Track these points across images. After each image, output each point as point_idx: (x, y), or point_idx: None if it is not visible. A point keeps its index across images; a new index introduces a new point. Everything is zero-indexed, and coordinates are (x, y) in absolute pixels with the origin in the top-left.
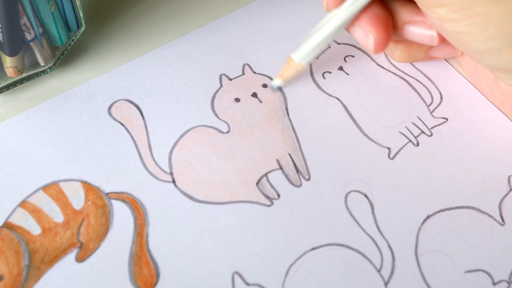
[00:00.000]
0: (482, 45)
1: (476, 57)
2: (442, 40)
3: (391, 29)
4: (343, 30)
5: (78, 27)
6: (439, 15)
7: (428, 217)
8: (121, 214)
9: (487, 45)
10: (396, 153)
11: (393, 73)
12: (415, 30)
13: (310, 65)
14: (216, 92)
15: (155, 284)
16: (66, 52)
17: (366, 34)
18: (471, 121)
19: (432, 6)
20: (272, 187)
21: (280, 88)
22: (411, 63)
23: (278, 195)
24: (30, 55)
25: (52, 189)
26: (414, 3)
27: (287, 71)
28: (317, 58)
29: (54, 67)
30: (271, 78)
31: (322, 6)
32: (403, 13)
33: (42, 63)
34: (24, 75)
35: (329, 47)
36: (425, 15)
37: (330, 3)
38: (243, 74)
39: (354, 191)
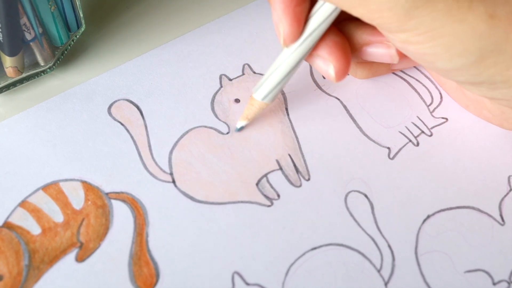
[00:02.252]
0: (448, 64)
1: (443, 74)
2: (402, 55)
3: (350, 55)
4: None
5: (78, 27)
6: (401, 39)
7: (428, 217)
8: (121, 214)
9: (453, 64)
10: (396, 153)
11: (393, 73)
12: (374, 51)
13: (310, 65)
14: (216, 92)
15: (155, 284)
16: (66, 52)
17: (326, 63)
18: (471, 121)
19: (394, 32)
20: (272, 187)
21: (242, 128)
22: None
23: (278, 196)
24: (30, 55)
25: (52, 189)
26: (369, 24)
27: (251, 110)
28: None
29: (54, 67)
30: None
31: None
32: (359, 35)
33: (42, 63)
34: (24, 75)
35: None
36: (387, 37)
37: (287, 39)
38: (243, 74)
39: (354, 191)
